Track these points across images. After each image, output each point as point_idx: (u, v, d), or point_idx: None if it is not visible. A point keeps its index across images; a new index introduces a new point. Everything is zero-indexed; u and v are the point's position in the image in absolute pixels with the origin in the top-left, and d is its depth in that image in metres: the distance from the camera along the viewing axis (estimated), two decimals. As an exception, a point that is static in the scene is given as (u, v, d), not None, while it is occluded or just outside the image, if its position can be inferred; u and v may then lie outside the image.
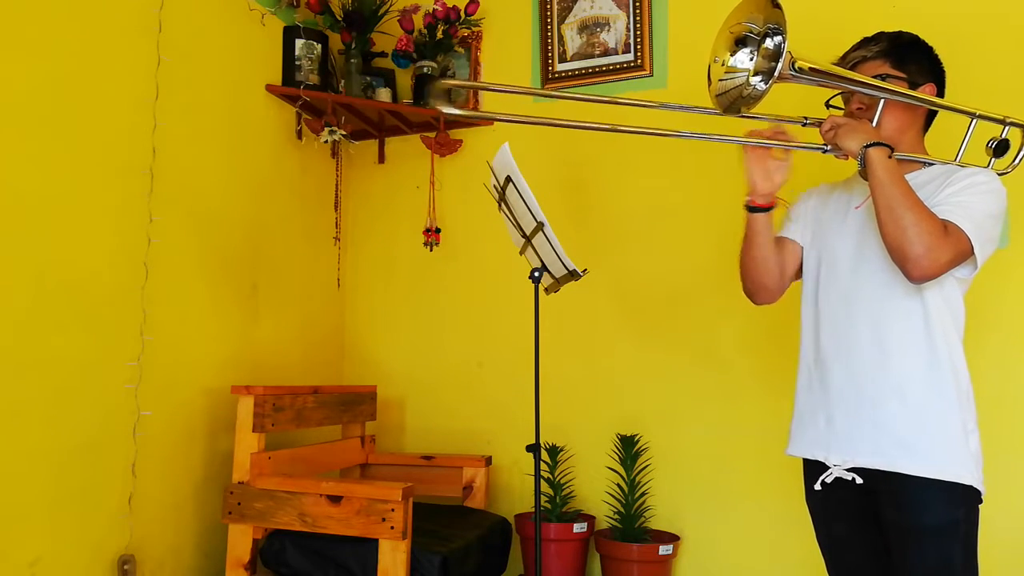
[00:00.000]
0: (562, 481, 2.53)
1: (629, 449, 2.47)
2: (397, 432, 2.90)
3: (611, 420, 2.59)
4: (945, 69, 1.55)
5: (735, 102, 1.43)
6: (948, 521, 1.36)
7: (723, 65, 1.43)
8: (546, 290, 1.98)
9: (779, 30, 1.33)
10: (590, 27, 2.76)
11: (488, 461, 2.59)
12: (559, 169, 2.73)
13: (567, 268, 1.82)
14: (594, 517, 2.52)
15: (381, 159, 3.02)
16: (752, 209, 1.57)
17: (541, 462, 1.91)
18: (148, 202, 2.08)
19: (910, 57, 1.51)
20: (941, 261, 1.32)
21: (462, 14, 2.74)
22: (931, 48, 1.54)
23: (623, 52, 2.71)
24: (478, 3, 2.75)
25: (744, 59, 1.40)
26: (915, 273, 1.34)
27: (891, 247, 1.35)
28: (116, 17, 2.00)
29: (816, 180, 1.72)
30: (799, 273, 1.66)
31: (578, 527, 2.40)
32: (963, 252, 1.35)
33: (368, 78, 2.77)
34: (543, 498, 2.42)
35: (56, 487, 1.81)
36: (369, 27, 2.73)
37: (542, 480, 2.01)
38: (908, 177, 1.42)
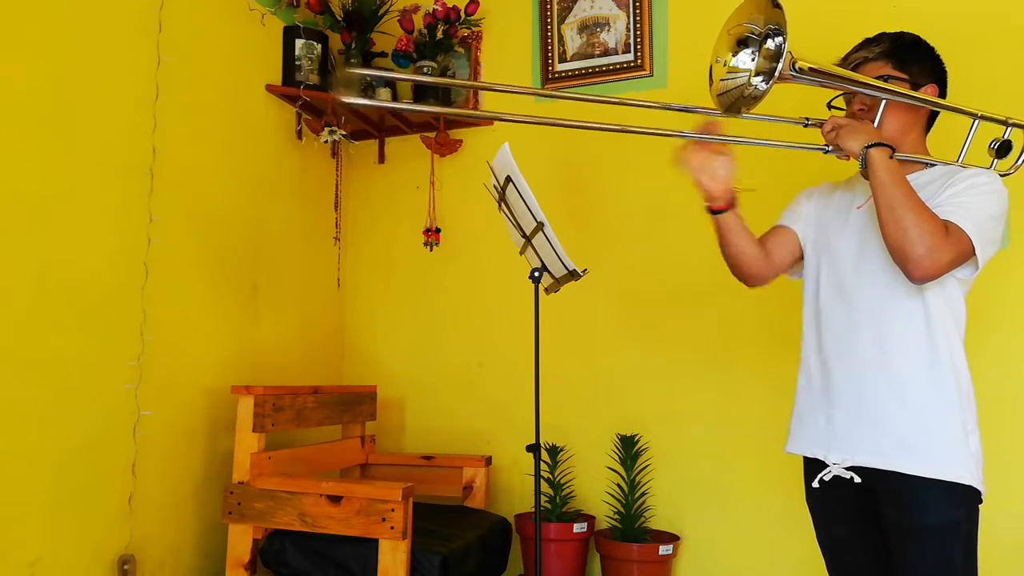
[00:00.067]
0: (562, 481, 2.53)
1: (629, 449, 2.47)
2: (397, 432, 2.90)
3: (611, 420, 2.59)
4: (947, 69, 1.55)
5: (736, 102, 1.43)
6: (948, 521, 1.36)
7: (725, 65, 1.44)
8: (546, 290, 1.98)
9: (780, 31, 1.33)
10: (590, 27, 2.76)
11: (488, 461, 2.59)
12: (559, 169, 2.73)
13: (567, 268, 1.82)
14: (594, 517, 2.52)
15: (381, 159, 3.02)
16: (714, 212, 1.57)
17: (541, 462, 1.91)
18: (148, 202, 2.07)
19: (912, 58, 1.51)
20: (942, 262, 1.32)
21: (462, 14, 2.74)
22: (933, 49, 1.54)
23: (623, 52, 2.71)
24: (478, 3, 2.75)
25: (745, 59, 1.41)
26: (916, 274, 1.33)
27: (892, 248, 1.35)
28: (116, 17, 2.00)
29: (818, 181, 1.72)
30: (794, 261, 1.66)
31: (578, 527, 2.40)
32: (964, 253, 1.35)
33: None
34: (543, 498, 2.42)
35: (56, 487, 1.81)
36: (369, 27, 2.72)
37: (542, 480, 2.01)
38: (910, 178, 1.42)
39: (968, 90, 1.70)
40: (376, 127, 2.94)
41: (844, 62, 1.54)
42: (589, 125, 1.56)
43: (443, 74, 2.85)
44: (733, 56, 1.42)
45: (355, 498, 1.96)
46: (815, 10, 2.29)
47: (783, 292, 2.08)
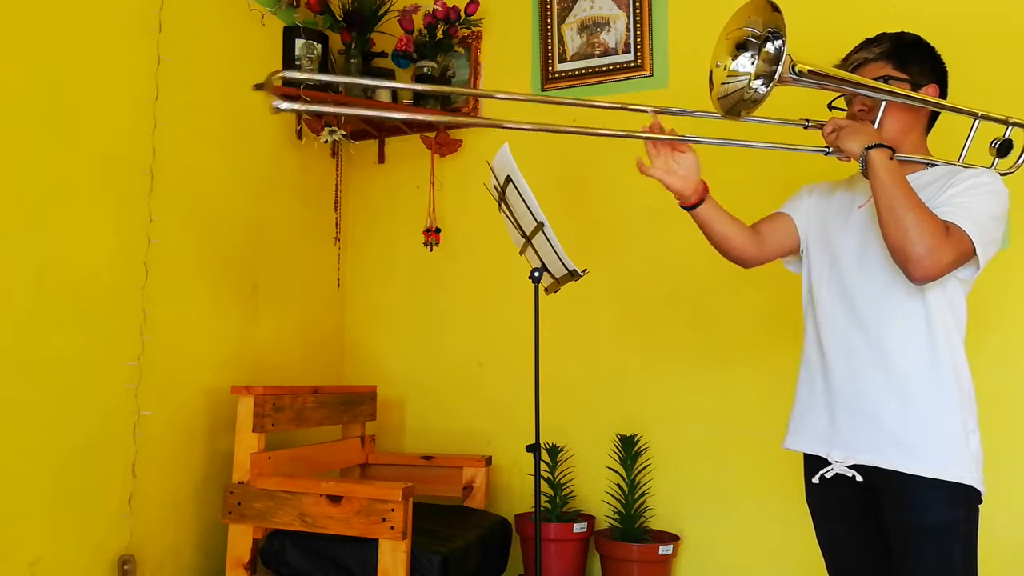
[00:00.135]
0: (562, 481, 2.53)
1: (629, 449, 2.47)
2: (397, 432, 2.90)
3: (611, 420, 2.59)
4: (947, 69, 1.55)
5: (736, 105, 1.43)
6: (948, 521, 1.36)
7: (724, 69, 1.44)
8: (546, 290, 1.98)
9: (779, 34, 1.33)
10: (590, 27, 2.76)
11: (488, 461, 2.59)
12: (559, 169, 2.72)
13: (567, 268, 1.82)
14: (594, 517, 2.52)
15: (381, 159, 3.02)
16: (689, 208, 1.59)
17: (541, 462, 1.91)
18: (148, 202, 2.08)
19: (912, 58, 1.51)
20: (943, 262, 1.32)
21: (462, 14, 2.73)
22: (933, 49, 1.53)
23: (623, 52, 2.71)
24: (478, 3, 2.75)
25: (745, 63, 1.41)
26: (917, 274, 1.33)
27: (893, 248, 1.35)
28: (116, 17, 2.00)
29: (818, 181, 1.72)
30: (790, 247, 1.66)
31: (578, 527, 2.40)
32: (965, 253, 1.35)
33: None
34: (543, 498, 2.42)
35: (56, 487, 1.81)
36: (369, 27, 2.72)
37: (542, 480, 2.01)
38: (911, 178, 1.42)
39: (968, 90, 1.70)
40: (376, 127, 2.94)
41: (844, 63, 1.54)
42: (583, 130, 1.55)
43: (443, 74, 2.84)
44: (733, 60, 1.42)
45: (355, 498, 1.96)
46: (815, 10, 2.29)
47: (783, 292, 2.09)
